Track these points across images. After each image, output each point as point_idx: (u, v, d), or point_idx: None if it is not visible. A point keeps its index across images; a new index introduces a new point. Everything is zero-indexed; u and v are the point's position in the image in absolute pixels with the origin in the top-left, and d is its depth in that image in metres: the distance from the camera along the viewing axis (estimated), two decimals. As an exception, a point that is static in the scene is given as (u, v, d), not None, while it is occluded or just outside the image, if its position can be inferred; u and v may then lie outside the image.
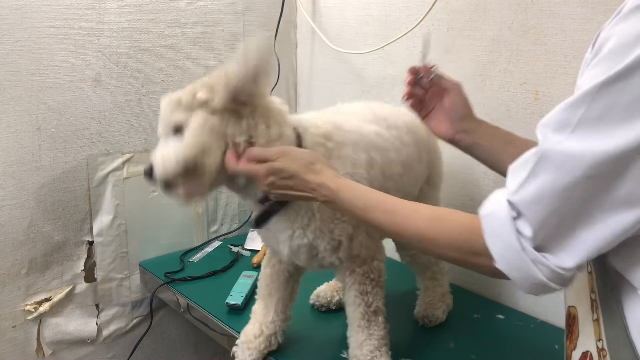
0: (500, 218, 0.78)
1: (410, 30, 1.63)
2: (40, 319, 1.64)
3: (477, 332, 1.44)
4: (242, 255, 1.86)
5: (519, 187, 0.76)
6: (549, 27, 1.38)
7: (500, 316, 1.52)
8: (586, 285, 0.86)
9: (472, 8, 1.53)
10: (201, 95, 1.03)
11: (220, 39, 1.87)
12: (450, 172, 1.53)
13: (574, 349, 0.92)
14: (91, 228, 1.70)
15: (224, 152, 1.04)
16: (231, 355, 1.31)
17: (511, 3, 1.44)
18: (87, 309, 1.74)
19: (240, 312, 1.50)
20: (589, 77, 0.71)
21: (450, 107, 1.22)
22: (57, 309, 1.67)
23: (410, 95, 1.25)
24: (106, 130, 1.68)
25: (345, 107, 1.33)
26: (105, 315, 1.78)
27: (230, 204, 2.02)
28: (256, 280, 1.61)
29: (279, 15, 1.96)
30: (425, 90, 1.24)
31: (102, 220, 1.71)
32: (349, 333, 1.22)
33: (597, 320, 0.85)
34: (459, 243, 0.86)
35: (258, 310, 1.32)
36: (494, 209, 0.79)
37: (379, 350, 1.19)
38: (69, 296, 1.69)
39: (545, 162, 0.73)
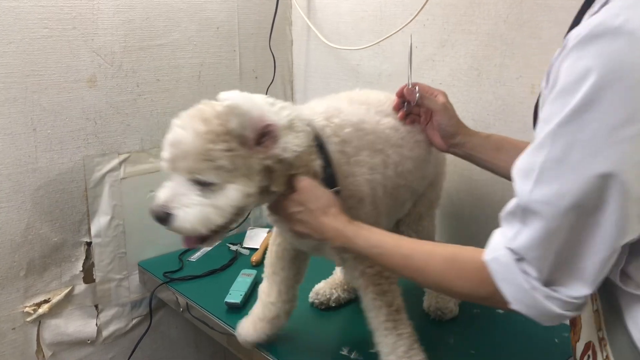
0: (504, 263, 0.80)
1: (406, 25, 1.63)
2: (39, 320, 1.64)
3: (476, 328, 1.44)
4: (240, 253, 1.85)
5: (515, 235, 0.78)
6: (543, 20, 1.37)
7: (500, 311, 1.52)
8: None
9: (466, 2, 1.52)
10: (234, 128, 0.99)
11: (215, 36, 1.86)
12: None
13: (578, 340, 0.95)
14: (89, 229, 1.70)
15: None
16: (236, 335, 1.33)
17: (506, -4, 1.44)
18: (86, 310, 1.73)
19: (240, 310, 1.49)
20: (549, 113, 0.73)
21: (438, 127, 1.27)
22: (56, 310, 1.67)
23: (403, 116, 1.29)
24: (102, 131, 1.68)
25: (366, 94, 1.33)
26: (105, 315, 1.77)
27: (228, 203, 2.01)
28: (255, 278, 1.62)
29: (273, 13, 1.96)
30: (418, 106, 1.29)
31: (99, 221, 1.71)
32: (377, 339, 1.18)
33: (597, 311, 0.88)
34: (474, 288, 0.87)
35: (262, 289, 1.32)
36: (496, 255, 0.81)
37: (413, 349, 1.16)
38: (68, 297, 1.68)
39: (528, 212, 0.76)
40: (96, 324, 1.76)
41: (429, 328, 1.43)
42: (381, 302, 1.15)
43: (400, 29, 1.64)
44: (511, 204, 0.79)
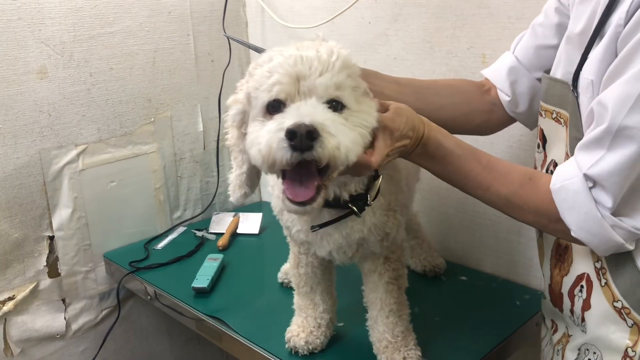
0: (575, 190, 0.84)
1: (358, 0, 1.63)
2: (5, 318, 1.61)
3: (441, 295, 1.48)
4: (207, 239, 1.85)
5: (596, 162, 0.82)
6: (491, -10, 1.39)
7: (464, 277, 1.56)
8: None
9: (416, -25, 1.53)
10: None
11: (168, 21, 1.84)
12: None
13: (566, 274, 1.00)
14: (50, 223, 1.68)
15: None
16: (290, 349, 1.25)
17: (454, -32, 1.45)
18: (53, 305, 1.72)
19: (207, 294, 1.50)
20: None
21: None
22: (22, 306, 1.65)
23: None
24: (57, 123, 1.65)
25: None
26: (73, 309, 1.76)
27: (192, 189, 2.01)
28: (222, 262, 1.62)
29: (226, -5, 1.94)
30: None
31: (61, 215, 1.69)
32: (376, 318, 1.19)
33: None
34: (546, 210, 0.90)
35: (304, 305, 1.27)
36: (565, 183, 0.85)
37: (408, 329, 1.20)
38: (34, 293, 1.66)
39: (619, 137, 0.79)
40: (65, 318, 1.74)
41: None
42: (394, 286, 1.17)
43: (353, 4, 1.64)
44: (596, 131, 0.82)
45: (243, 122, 0.97)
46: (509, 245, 1.53)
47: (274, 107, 0.88)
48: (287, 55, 0.89)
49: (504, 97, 1.18)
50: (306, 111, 0.84)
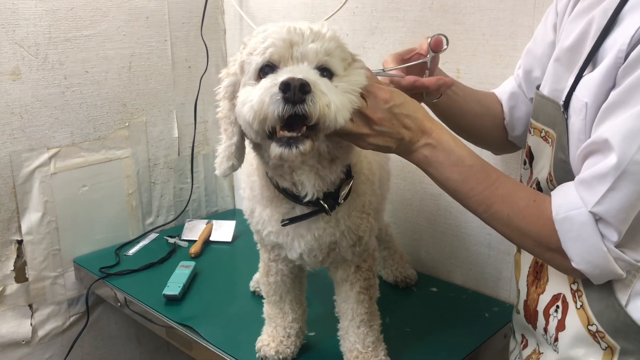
0: (580, 222, 0.83)
1: (336, 12, 1.65)
2: (-31, 323, 1.58)
3: (412, 306, 1.49)
4: (179, 246, 1.84)
5: (600, 199, 0.81)
6: (466, 7, 1.42)
7: (434, 289, 1.57)
8: None
9: (394, -11, 1.55)
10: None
11: (146, 26, 1.83)
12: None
13: (542, 292, 1.00)
14: (19, 226, 1.65)
15: None
16: (261, 358, 1.25)
17: (431, -16, 1.47)
18: (19, 310, 1.68)
19: (178, 302, 1.49)
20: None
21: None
22: (-13, 312, 1.62)
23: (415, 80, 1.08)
24: (29, 125, 1.62)
25: None
26: (40, 315, 1.73)
27: (165, 195, 1.99)
28: (194, 270, 1.61)
29: (204, 1, 1.94)
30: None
31: (30, 218, 1.66)
32: (347, 329, 1.20)
33: None
34: (546, 237, 0.88)
35: (273, 314, 1.27)
36: (570, 214, 0.84)
37: (378, 340, 1.21)
38: (-1, 298, 1.64)
39: (627, 174, 0.78)
40: (31, 324, 1.71)
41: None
42: (365, 296, 1.18)
43: (331, 16, 1.66)
44: (601, 166, 0.80)
45: (234, 94, 0.97)
46: (479, 258, 1.55)
47: (266, 71, 0.90)
48: (281, 25, 0.92)
49: (505, 119, 1.21)
50: (299, 70, 0.87)
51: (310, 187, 1.00)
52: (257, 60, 0.91)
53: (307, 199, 1.01)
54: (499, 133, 1.23)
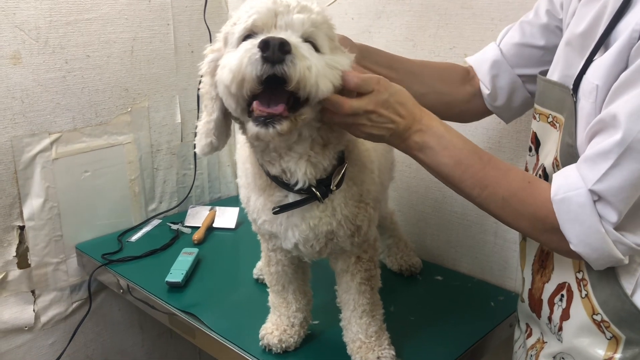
0: (579, 204, 0.82)
1: (341, -4, 1.62)
2: (-29, 309, 1.58)
3: (416, 294, 1.48)
4: (182, 232, 1.83)
5: (602, 177, 0.79)
6: (475, -10, 1.39)
7: (439, 277, 1.56)
8: None
9: (401, -27, 1.52)
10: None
11: (148, 10, 1.80)
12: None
13: (547, 281, 0.99)
14: (21, 212, 1.63)
15: None
16: (264, 347, 1.24)
17: (438, -33, 1.44)
18: (22, 296, 1.68)
19: (181, 289, 1.48)
20: None
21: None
22: (-11, 297, 1.61)
23: None
24: (30, 110, 1.60)
25: None
26: (43, 301, 1.72)
27: (168, 181, 1.98)
28: (197, 257, 1.60)
29: (208, -15, 1.91)
30: None
31: (32, 204, 1.65)
32: (349, 319, 1.18)
33: None
34: (543, 218, 0.87)
35: (277, 304, 1.25)
36: (569, 195, 0.82)
37: (381, 329, 1.19)
38: (2, 284, 1.62)
39: (630, 151, 0.76)
40: (34, 310, 1.70)
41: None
42: (366, 287, 1.16)
43: (337, 0, 1.63)
44: (605, 143, 0.79)
45: (217, 69, 0.93)
46: (485, 246, 1.54)
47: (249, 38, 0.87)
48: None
49: (484, 90, 1.19)
50: (282, 34, 0.84)
51: (301, 174, 0.98)
52: (239, 28, 0.89)
53: (298, 187, 0.99)
54: (458, 105, 1.21)
